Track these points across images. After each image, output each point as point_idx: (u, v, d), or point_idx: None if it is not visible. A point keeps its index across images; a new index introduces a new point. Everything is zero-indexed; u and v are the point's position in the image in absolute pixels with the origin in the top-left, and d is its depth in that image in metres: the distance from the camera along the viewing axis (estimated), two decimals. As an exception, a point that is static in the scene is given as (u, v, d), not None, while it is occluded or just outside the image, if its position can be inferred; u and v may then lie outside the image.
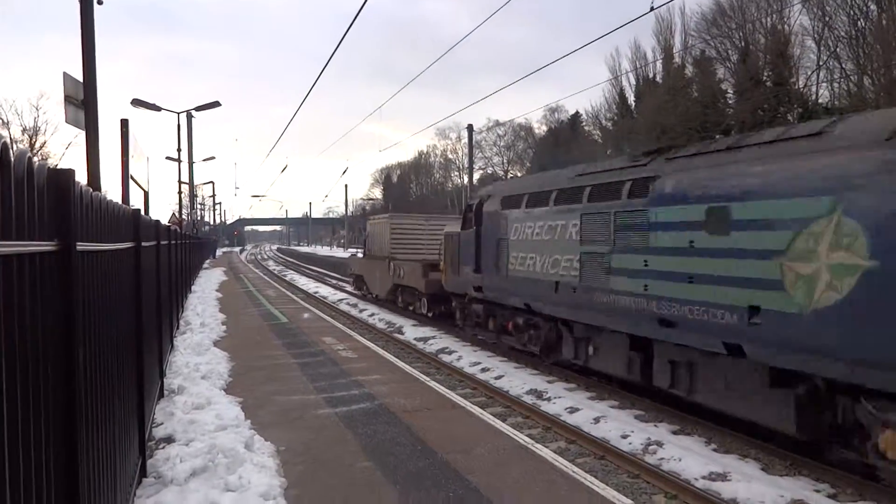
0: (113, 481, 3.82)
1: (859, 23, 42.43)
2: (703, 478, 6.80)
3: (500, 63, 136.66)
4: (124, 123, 9.44)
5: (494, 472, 5.70)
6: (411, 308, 19.86)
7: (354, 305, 23.15)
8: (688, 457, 7.29)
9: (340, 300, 25.18)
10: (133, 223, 5.48)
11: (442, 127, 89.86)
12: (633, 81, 62.03)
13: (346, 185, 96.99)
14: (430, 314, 18.25)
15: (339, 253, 68.88)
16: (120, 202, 6.04)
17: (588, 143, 63.94)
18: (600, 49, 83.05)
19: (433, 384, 9.16)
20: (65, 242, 2.69)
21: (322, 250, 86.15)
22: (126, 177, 9.51)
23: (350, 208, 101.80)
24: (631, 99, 62.41)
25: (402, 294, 20.32)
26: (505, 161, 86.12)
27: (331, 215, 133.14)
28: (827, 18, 45.14)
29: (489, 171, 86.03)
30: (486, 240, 12.94)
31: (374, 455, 6.13)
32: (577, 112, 71.40)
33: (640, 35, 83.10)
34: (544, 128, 78.71)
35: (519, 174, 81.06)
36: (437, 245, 19.34)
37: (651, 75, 60.32)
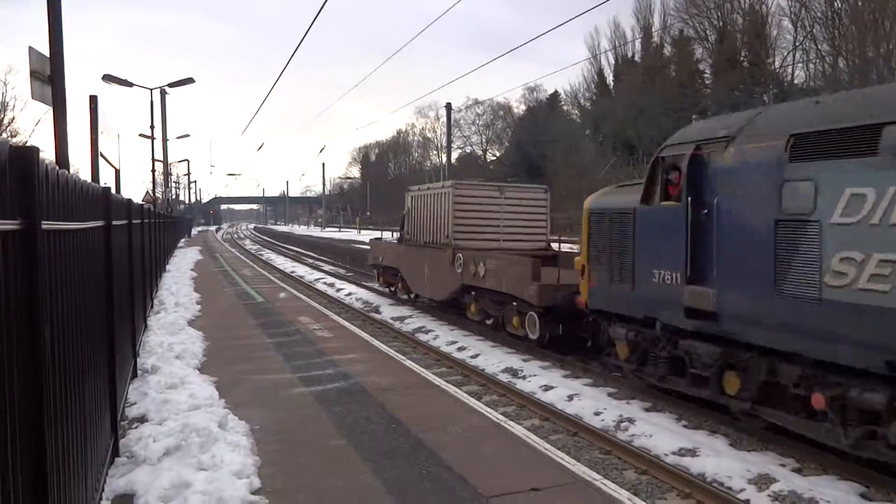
0: (83, 461, 3.80)
1: (835, 4, 42.76)
2: (674, 453, 6.95)
3: (479, 40, 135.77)
4: (93, 100, 9.25)
5: (467, 449, 5.77)
6: (489, 322, 13.49)
7: (331, 285, 23.09)
8: (659, 433, 7.44)
9: (317, 279, 25.10)
10: (103, 201, 5.41)
11: (420, 105, 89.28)
12: (611, 61, 62.04)
13: (323, 164, 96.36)
14: (538, 337, 11.33)
15: (317, 232, 68.65)
16: (89, 180, 5.95)
17: (566, 123, 63.97)
18: (580, 28, 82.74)
19: (409, 363, 9.21)
20: (29, 221, 2.65)
21: (299, 229, 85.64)
22: (95, 154, 9.34)
23: (328, 187, 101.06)
24: (610, 79, 62.44)
25: (480, 301, 13.55)
26: (484, 140, 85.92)
27: (308, 194, 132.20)
28: (804, -2, 45.43)
29: (467, 150, 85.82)
30: (728, 223, 7.15)
31: (349, 433, 6.16)
32: (556, 91, 71.32)
33: (619, 14, 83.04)
34: (523, 107, 78.55)
35: (497, 154, 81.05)
36: (517, 229, 15.01)
37: (630, 55, 60.35)
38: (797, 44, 47.29)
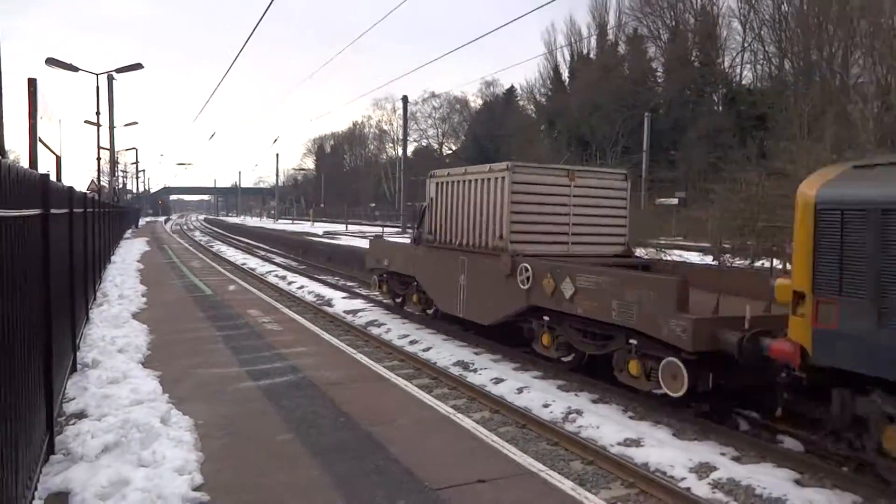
0: (14, 459, 3.66)
1: (783, 7, 44.14)
2: (619, 444, 7.08)
3: (437, 33, 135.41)
4: (31, 83, 8.90)
5: (416, 442, 5.78)
6: (566, 360, 9.94)
7: (283, 278, 22.78)
8: (605, 424, 7.58)
9: (268, 272, 24.72)
10: (41, 189, 5.21)
11: (377, 97, 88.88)
12: (567, 57, 62.73)
13: (277, 155, 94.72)
14: (682, 394, 7.40)
15: (269, 224, 67.75)
16: (27, 167, 5.71)
17: (522, 118, 64.46)
18: (538, 23, 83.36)
19: (360, 356, 9.17)
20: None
21: (251, 221, 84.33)
22: (34, 140, 8.99)
23: (281, 178, 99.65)
24: (565, 75, 63.12)
25: (559, 331, 9.64)
26: (440, 133, 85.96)
27: (261, 185, 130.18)
28: (753, 1, 46.77)
29: (424, 143, 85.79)
30: None
31: (296, 428, 6.10)
32: (513, 86, 71.83)
33: (576, 11, 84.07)
34: (480, 101, 78.86)
35: (453, 147, 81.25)
36: (590, 227, 11.49)
37: (585, 52, 61.13)
38: (746, 45, 48.72)
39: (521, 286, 10.04)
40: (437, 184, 13.01)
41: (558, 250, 11.08)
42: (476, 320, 11.59)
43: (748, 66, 49.31)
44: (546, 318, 9.81)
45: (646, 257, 13.35)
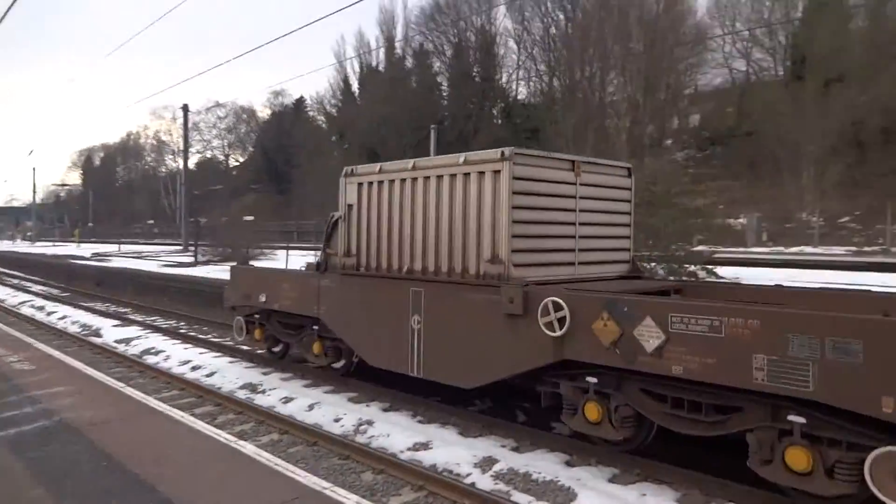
0: None
1: (551, 29, 48.75)
2: (409, 449, 7.20)
3: (221, 38, 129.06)
4: None
5: (191, 478, 5.37)
6: (625, 432, 6.43)
7: (41, 308, 20.07)
8: (396, 432, 7.66)
9: (22, 303, 21.65)
10: None
11: (155, 106, 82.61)
12: (357, 69, 63.26)
13: (33, 169, 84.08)
14: None
15: (25, 247, 59.81)
16: None
17: (312, 129, 63.84)
18: (329, 34, 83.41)
19: (130, 391, 8.35)
20: None
21: (1, 245, 73.69)
22: None
23: (40, 195, 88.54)
24: (355, 86, 63.59)
25: (620, 399, 6.41)
26: (226, 145, 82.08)
27: (14, 203, 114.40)
28: (525, 23, 51.15)
29: (208, 154, 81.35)
30: None
31: (50, 480, 5.37)
32: (302, 97, 70.80)
33: (365, 23, 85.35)
34: (268, 111, 76.66)
35: (241, 160, 78.21)
36: (596, 240, 8.42)
37: (375, 64, 62.16)
38: (520, 63, 52.97)
39: (548, 332, 6.67)
40: (362, 185, 9.10)
41: (565, 273, 8.02)
42: (449, 382, 7.90)
43: (523, 82, 53.67)
44: (592, 379, 6.63)
45: (672, 279, 10.28)
